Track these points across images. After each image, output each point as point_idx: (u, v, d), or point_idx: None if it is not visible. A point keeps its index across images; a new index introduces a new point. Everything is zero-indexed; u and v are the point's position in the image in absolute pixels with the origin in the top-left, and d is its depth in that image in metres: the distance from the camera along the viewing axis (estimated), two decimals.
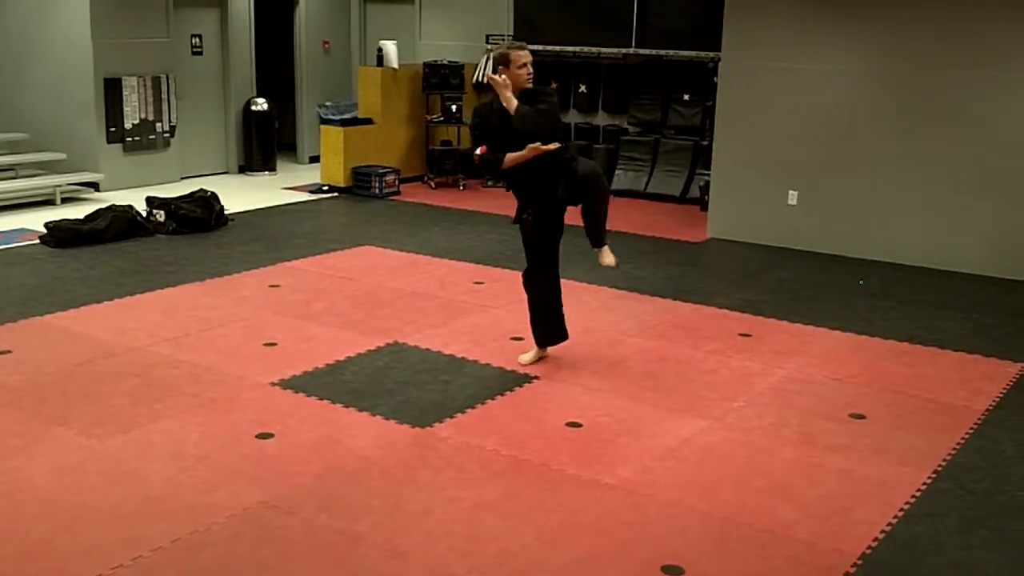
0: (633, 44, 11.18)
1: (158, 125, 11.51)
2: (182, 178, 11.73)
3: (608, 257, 5.76)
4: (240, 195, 10.93)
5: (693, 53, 10.84)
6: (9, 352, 5.94)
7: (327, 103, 12.99)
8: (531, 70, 5.56)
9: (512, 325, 6.56)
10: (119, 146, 11.16)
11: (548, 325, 5.92)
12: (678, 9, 10.87)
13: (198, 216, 9.16)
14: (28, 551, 3.84)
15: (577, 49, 11.59)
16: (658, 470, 4.65)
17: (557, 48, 11.61)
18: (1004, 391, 5.75)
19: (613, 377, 5.80)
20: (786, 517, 4.24)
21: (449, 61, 12.00)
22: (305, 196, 11.20)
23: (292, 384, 5.54)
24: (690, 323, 6.85)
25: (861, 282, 8.02)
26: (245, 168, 12.65)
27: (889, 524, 4.20)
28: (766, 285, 7.89)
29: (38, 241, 8.61)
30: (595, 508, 4.28)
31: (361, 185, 11.24)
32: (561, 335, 5.99)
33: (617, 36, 11.23)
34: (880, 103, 8.61)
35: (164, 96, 11.50)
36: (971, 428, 5.21)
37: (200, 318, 6.66)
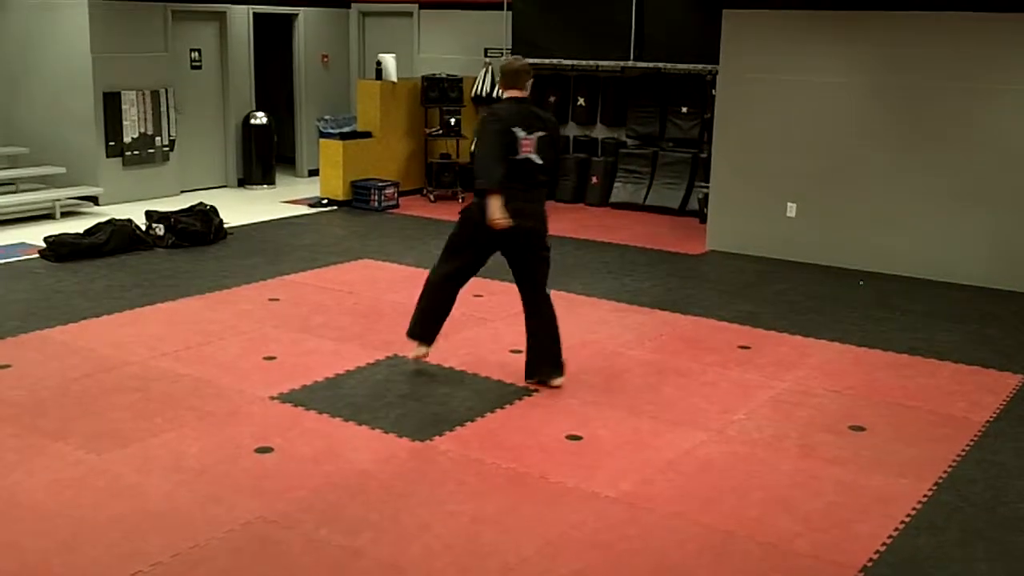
0: (631, 57, 11.21)
1: (157, 139, 11.53)
2: (181, 192, 11.75)
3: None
4: (239, 209, 10.94)
5: (691, 66, 10.87)
6: (9, 366, 5.93)
7: (326, 117, 13.01)
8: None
9: (511, 338, 6.55)
10: (118, 160, 11.18)
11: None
12: (676, 22, 10.90)
13: (197, 230, 9.16)
14: (27, 567, 3.83)
15: (575, 62, 11.63)
16: (658, 483, 4.64)
17: (555, 61, 11.64)
18: (1004, 402, 5.75)
19: (612, 390, 5.79)
20: (787, 530, 4.23)
21: (448, 75, 12.03)
22: (304, 209, 11.21)
23: (291, 398, 5.54)
24: (689, 335, 6.85)
25: (861, 282, 8.04)
26: (244, 182, 12.67)
27: (890, 536, 4.19)
28: (765, 297, 7.89)
29: (38, 255, 8.61)
30: (595, 521, 4.27)
31: (360, 198, 11.25)
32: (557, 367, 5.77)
33: (615, 49, 11.25)
34: (878, 115, 8.63)
35: (163, 110, 11.52)
36: (971, 440, 5.21)
37: (199, 332, 6.66)
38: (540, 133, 5.54)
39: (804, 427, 5.31)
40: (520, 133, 5.48)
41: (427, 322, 5.88)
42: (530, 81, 5.68)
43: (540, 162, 5.53)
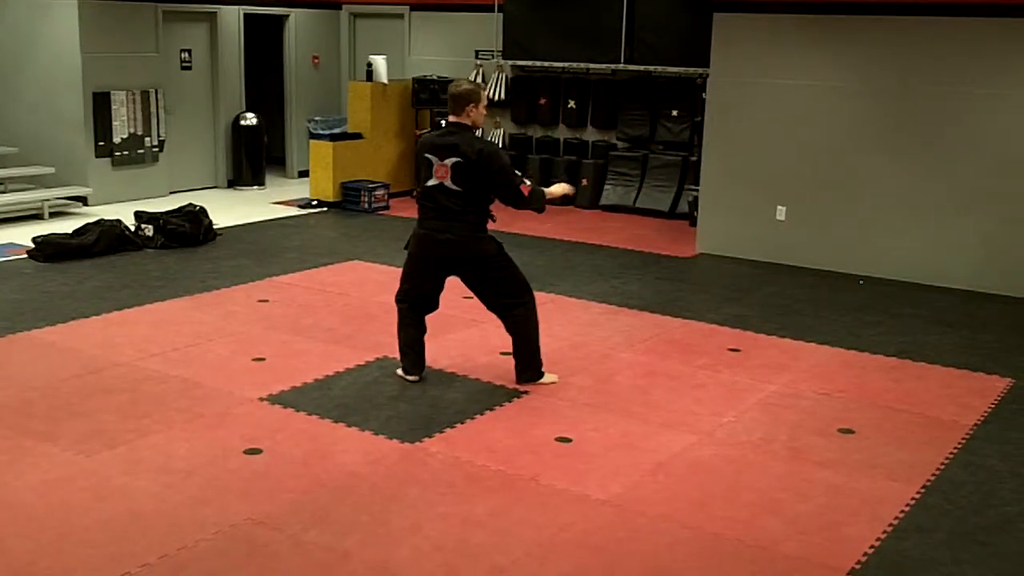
0: (622, 60, 11.23)
1: (147, 139, 11.50)
2: (171, 192, 11.72)
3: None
4: (229, 210, 10.92)
5: (681, 69, 10.90)
6: None
7: (316, 117, 13.00)
8: None
9: (501, 340, 6.54)
10: (108, 160, 11.14)
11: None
12: (667, 26, 10.92)
13: (186, 231, 9.14)
14: (14, 568, 3.81)
15: (566, 65, 11.64)
16: (648, 485, 4.64)
17: (546, 64, 11.65)
18: (992, 406, 5.77)
19: (602, 392, 5.80)
20: (775, 532, 4.24)
21: (438, 76, 12.02)
22: (294, 211, 11.19)
23: (281, 399, 5.52)
24: (679, 338, 6.86)
25: (860, 282, 8.07)
26: (234, 183, 12.64)
27: (878, 539, 4.20)
28: (755, 300, 7.90)
29: (26, 255, 8.57)
30: (585, 523, 4.27)
31: (350, 200, 11.24)
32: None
33: (606, 52, 11.27)
34: (869, 119, 8.66)
35: (153, 110, 11.50)
36: (960, 443, 5.22)
37: (188, 333, 6.64)
38: (454, 160, 5.46)
39: (793, 430, 5.32)
40: (433, 160, 5.52)
41: (406, 356, 5.88)
42: (470, 105, 5.52)
43: (456, 188, 5.48)
